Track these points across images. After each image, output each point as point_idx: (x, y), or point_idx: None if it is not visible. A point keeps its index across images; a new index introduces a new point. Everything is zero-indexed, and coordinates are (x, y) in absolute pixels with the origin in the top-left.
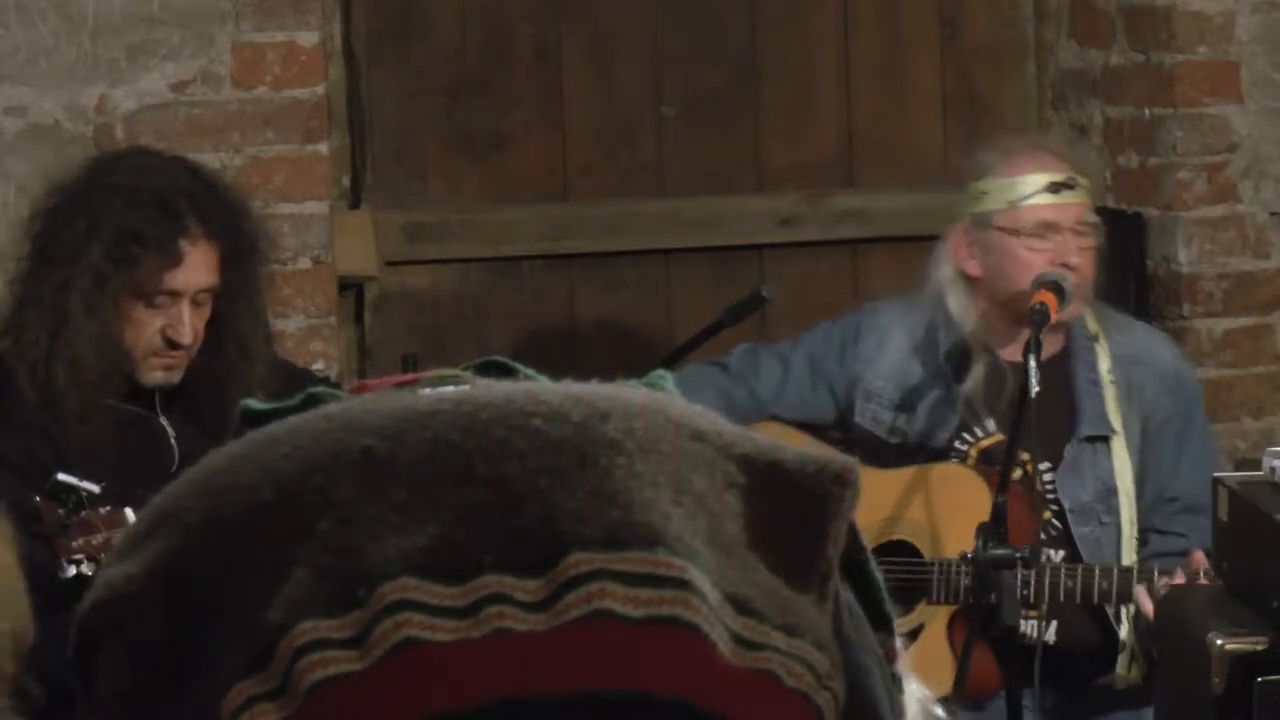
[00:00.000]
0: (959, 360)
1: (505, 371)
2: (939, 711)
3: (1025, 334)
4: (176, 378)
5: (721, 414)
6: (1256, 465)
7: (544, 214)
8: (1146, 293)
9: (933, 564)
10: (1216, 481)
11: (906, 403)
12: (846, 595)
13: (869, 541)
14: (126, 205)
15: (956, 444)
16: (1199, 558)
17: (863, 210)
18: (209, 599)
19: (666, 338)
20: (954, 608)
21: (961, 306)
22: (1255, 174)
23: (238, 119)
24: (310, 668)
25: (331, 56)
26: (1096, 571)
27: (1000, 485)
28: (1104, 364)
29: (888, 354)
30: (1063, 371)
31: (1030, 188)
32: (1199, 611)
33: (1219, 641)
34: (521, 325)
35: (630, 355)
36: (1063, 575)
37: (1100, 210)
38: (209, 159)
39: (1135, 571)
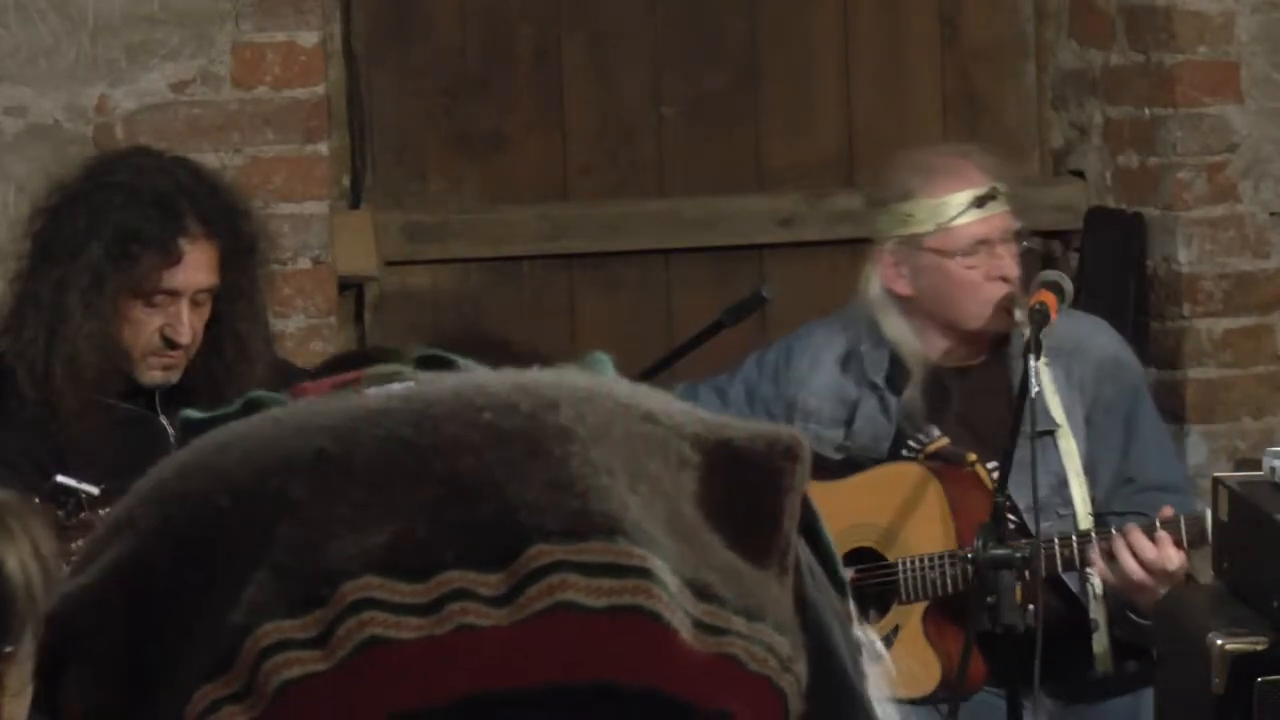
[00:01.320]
0: (892, 373)
1: (444, 364)
2: (878, 648)
3: (967, 344)
4: (175, 377)
5: None
6: (1256, 465)
7: (544, 214)
8: (1146, 293)
9: (897, 565)
10: (1216, 481)
11: (846, 418)
12: (807, 557)
13: None
14: (126, 204)
15: (903, 453)
16: (1167, 510)
17: (863, 210)
18: (168, 607)
19: (666, 338)
20: (925, 604)
21: (895, 324)
22: (1255, 174)
23: (238, 119)
24: (276, 669)
25: (331, 56)
26: (1056, 541)
27: (1000, 485)
28: (1039, 359)
29: (821, 372)
30: (1000, 372)
31: (957, 207)
32: (1199, 611)
33: (1219, 641)
34: (521, 325)
35: (630, 355)
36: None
37: (1100, 210)
38: (209, 159)
39: (1093, 534)
